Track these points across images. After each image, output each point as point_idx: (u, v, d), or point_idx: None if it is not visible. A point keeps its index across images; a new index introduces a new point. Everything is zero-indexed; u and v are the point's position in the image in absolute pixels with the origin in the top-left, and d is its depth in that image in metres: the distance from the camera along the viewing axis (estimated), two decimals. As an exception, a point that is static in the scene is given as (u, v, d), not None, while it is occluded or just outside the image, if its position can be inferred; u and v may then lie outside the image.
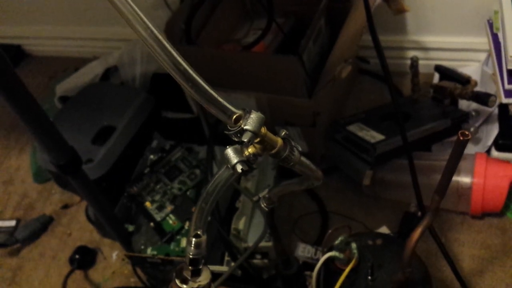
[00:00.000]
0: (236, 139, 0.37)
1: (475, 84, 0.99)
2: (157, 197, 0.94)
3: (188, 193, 0.94)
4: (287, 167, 0.42)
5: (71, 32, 1.47)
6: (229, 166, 0.38)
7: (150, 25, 0.39)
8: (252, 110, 0.37)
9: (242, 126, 0.36)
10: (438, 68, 1.07)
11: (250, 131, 0.36)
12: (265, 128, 0.38)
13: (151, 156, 1.00)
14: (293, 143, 0.40)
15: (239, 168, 0.37)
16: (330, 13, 1.11)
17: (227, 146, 0.38)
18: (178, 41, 1.00)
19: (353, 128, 1.03)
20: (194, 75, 0.37)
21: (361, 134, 1.00)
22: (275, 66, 0.95)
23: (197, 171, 0.96)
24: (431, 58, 1.18)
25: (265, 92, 0.99)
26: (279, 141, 0.40)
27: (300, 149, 0.41)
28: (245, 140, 0.36)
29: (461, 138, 0.47)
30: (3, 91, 0.64)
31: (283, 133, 0.40)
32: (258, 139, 0.38)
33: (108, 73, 1.14)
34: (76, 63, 1.43)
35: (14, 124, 1.39)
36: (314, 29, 1.02)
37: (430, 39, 1.17)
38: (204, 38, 1.08)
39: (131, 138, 0.99)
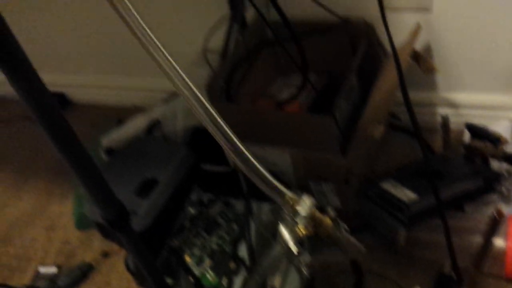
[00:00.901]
0: (290, 221, 0.41)
1: (506, 141, 1.01)
2: (196, 251, 0.97)
3: (226, 248, 0.97)
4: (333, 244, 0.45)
5: (112, 82, 1.55)
6: (283, 245, 0.42)
7: (218, 119, 0.44)
8: (306, 195, 0.41)
9: (297, 210, 0.40)
10: (469, 126, 1.10)
11: (305, 215, 0.39)
12: (317, 211, 0.42)
13: (191, 210, 1.04)
14: (341, 224, 0.44)
15: (294, 249, 0.41)
16: (362, 70, 1.16)
17: (280, 224, 0.42)
18: (218, 98, 1.06)
19: (386, 185, 1.05)
20: (254, 160, 0.41)
21: (394, 192, 1.02)
22: (309, 125, 0.99)
23: (235, 226, 0.99)
24: (462, 115, 1.20)
25: (299, 148, 1.02)
26: (329, 222, 0.43)
27: (347, 228, 0.44)
28: (300, 223, 0.39)
29: (497, 217, 0.50)
30: (58, 143, 0.68)
31: (331, 212, 0.43)
32: (310, 221, 0.41)
33: (152, 127, 1.20)
34: (117, 111, 1.51)
35: (57, 171, 1.46)
36: (347, 87, 1.07)
37: (460, 96, 1.20)
38: (241, 93, 1.13)
39: (173, 191, 1.04)
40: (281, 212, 0.41)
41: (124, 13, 0.39)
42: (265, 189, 0.42)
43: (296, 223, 0.39)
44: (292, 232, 0.41)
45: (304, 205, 0.40)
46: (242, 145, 0.44)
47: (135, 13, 0.40)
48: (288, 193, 0.41)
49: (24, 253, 1.27)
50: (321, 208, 0.42)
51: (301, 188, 1.07)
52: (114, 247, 1.22)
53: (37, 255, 1.26)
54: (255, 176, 0.43)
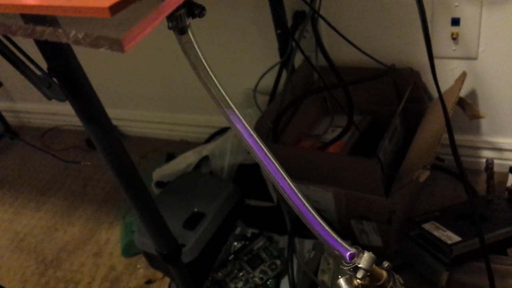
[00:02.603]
0: (349, 273, 0.44)
1: (551, 188, 1.01)
2: (240, 285, 1.00)
3: (268, 283, 1.00)
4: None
5: (162, 117, 1.62)
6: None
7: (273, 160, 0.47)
8: (365, 251, 0.43)
9: (357, 264, 0.43)
10: (513, 170, 1.11)
11: (364, 269, 0.42)
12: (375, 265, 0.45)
13: (235, 243, 1.07)
14: (396, 276, 0.46)
15: (353, 300, 0.44)
16: (405, 113, 1.18)
17: (339, 276, 0.45)
18: (265, 138, 1.10)
19: (428, 226, 1.06)
20: (316, 216, 0.44)
21: (437, 233, 1.03)
22: (353, 166, 1.02)
23: (278, 262, 1.02)
24: (506, 158, 1.21)
25: (342, 187, 1.05)
26: (385, 274, 0.46)
27: (402, 281, 0.47)
28: (359, 276, 0.42)
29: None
30: (120, 178, 0.73)
31: (386, 265, 0.46)
32: (369, 274, 0.44)
33: (200, 163, 1.26)
34: (165, 144, 1.58)
35: (105, 199, 1.53)
36: (391, 130, 1.09)
37: (504, 141, 1.20)
38: (287, 133, 1.18)
39: (219, 225, 1.08)
40: (340, 264, 0.44)
41: (190, 52, 0.43)
42: (329, 246, 0.45)
43: (355, 275, 0.42)
44: (349, 283, 0.44)
45: (364, 260, 0.42)
46: (293, 185, 0.48)
47: (200, 53, 0.44)
48: (350, 249, 0.43)
49: (71, 277, 1.32)
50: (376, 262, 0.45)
51: (342, 225, 1.10)
52: (158, 274, 1.26)
53: (84, 280, 1.31)
54: (312, 225, 0.46)
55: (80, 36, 0.26)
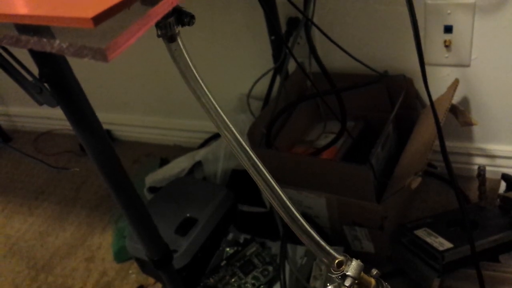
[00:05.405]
0: (337, 281, 0.44)
1: (543, 195, 1.01)
2: (232, 291, 1.00)
3: (261, 289, 1.00)
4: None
5: (155, 122, 1.62)
6: (329, 303, 0.45)
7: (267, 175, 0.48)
8: (353, 258, 0.44)
9: (345, 272, 0.43)
10: (505, 177, 1.11)
11: (352, 277, 0.42)
12: (363, 273, 0.45)
13: (227, 249, 1.07)
14: (384, 284, 0.46)
15: (340, 307, 0.44)
16: (398, 119, 1.19)
17: (328, 284, 0.45)
18: (258, 144, 1.10)
19: (420, 233, 1.07)
20: (305, 224, 0.44)
21: (429, 240, 1.03)
22: (346, 172, 1.02)
23: (270, 268, 1.02)
24: (498, 165, 1.21)
25: (335, 193, 1.05)
26: (373, 282, 0.46)
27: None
28: (347, 284, 0.42)
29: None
30: (111, 184, 0.73)
31: (375, 272, 0.46)
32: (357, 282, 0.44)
33: (193, 168, 1.26)
34: (158, 149, 1.58)
35: (98, 204, 1.52)
36: (383, 136, 1.10)
37: (496, 148, 1.21)
38: (280, 139, 1.18)
39: (212, 230, 1.08)
40: (328, 270, 0.44)
41: (179, 60, 0.43)
42: (318, 254, 0.45)
43: (343, 283, 0.42)
44: (338, 291, 0.44)
45: (352, 268, 0.43)
46: (282, 193, 0.48)
47: (189, 61, 0.44)
48: (339, 257, 0.44)
49: (63, 282, 1.31)
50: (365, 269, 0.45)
51: (335, 231, 1.10)
52: (150, 280, 1.25)
53: (76, 285, 1.30)
54: (300, 232, 0.46)
55: (64, 45, 0.26)
